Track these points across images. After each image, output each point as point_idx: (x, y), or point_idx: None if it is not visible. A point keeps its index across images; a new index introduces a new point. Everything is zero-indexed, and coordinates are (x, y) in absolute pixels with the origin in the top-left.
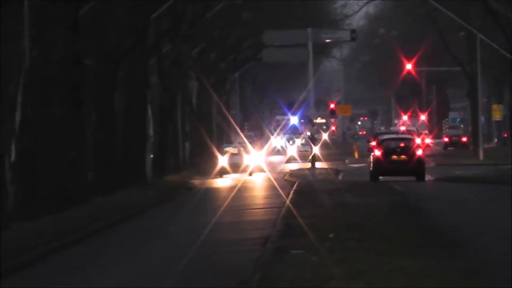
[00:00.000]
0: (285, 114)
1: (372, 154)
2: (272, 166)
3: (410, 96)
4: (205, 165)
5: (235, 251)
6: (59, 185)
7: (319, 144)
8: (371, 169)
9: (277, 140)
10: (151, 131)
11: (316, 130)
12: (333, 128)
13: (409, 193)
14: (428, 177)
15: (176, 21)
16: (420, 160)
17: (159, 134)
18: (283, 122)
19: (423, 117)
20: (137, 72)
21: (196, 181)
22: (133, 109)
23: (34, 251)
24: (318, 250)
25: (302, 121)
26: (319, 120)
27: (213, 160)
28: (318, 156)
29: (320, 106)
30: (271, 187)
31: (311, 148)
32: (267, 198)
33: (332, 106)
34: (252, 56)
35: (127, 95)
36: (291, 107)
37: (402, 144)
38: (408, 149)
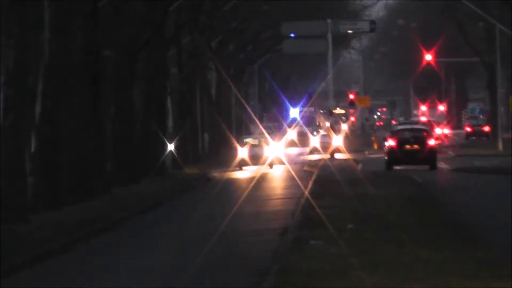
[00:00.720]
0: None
1: (387, 144)
2: (290, 158)
3: (429, 87)
4: (224, 157)
5: (254, 242)
6: (78, 176)
7: (342, 135)
8: (386, 158)
9: (291, 132)
10: (170, 122)
11: (335, 120)
12: (352, 119)
13: (427, 183)
14: (446, 167)
15: (195, 13)
16: (432, 150)
17: (178, 125)
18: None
19: (441, 107)
20: (156, 64)
21: (215, 173)
22: (152, 101)
23: (53, 243)
24: (337, 241)
25: (322, 111)
26: (338, 111)
27: (232, 151)
28: (341, 148)
29: (340, 97)
30: (290, 178)
31: (331, 139)
32: (286, 188)
33: (351, 97)
34: (271, 47)
35: (146, 86)
36: (309, 98)
37: (415, 135)
38: (421, 139)
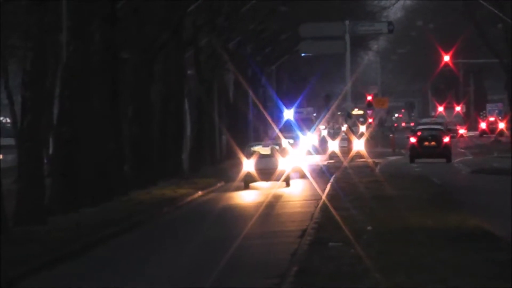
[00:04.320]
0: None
1: (409, 141)
2: (312, 168)
3: (446, 88)
4: (237, 166)
5: (273, 244)
6: (97, 178)
7: (363, 139)
8: (409, 153)
9: (311, 137)
10: (188, 124)
11: (353, 122)
12: (370, 120)
13: (446, 185)
14: (465, 169)
15: (213, 14)
16: (447, 146)
17: (195, 127)
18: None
19: (458, 108)
20: (174, 65)
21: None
22: (170, 102)
23: (72, 244)
24: (356, 243)
25: (340, 113)
26: (356, 112)
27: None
28: (363, 153)
29: (357, 98)
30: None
31: (351, 143)
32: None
33: (369, 98)
34: (289, 49)
35: (164, 88)
36: (328, 100)
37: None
38: (437, 137)
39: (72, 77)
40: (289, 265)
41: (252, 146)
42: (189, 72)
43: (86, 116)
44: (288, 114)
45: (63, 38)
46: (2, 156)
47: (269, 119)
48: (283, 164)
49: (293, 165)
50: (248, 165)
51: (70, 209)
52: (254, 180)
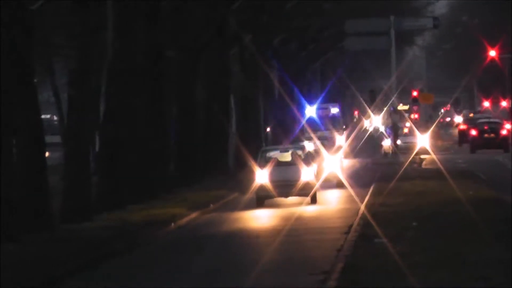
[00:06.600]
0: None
1: (469, 133)
2: (353, 174)
3: (492, 83)
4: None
5: (319, 240)
6: (142, 176)
7: (428, 134)
8: (469, 144)
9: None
10: (233, 122)
11: (399, 117)
12: (415, 116)
13: (491, 181)
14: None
15: (257, 12)
16: (504, 137)
17: (241, 124)
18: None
19: (504, 103)
20: (218, 63)
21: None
22: (215, 100)
23: (118, 242)
24: (402, 239)
25: (391, 109)
26: (401, 107)
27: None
28: (426, 149)
29: (403, 94)
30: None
31: (415, 138)
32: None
33: (414, 94)
34: (333, 45)
35: (209, 86)
36: (373, 96)
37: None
38: (496, 129)
39: (117, 76)
40: None
41: (267, 151)
42: (234, 69)
43: (131, 114)
44: (310, 111)
45: (108, 37)
46: (49, 154)
47: (300, 116)
48: (308, 174)
49: (327, 172)
50: (262, 176)
51: (114, 207)
52: (269, 196)
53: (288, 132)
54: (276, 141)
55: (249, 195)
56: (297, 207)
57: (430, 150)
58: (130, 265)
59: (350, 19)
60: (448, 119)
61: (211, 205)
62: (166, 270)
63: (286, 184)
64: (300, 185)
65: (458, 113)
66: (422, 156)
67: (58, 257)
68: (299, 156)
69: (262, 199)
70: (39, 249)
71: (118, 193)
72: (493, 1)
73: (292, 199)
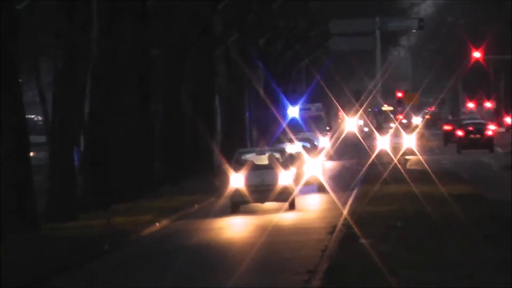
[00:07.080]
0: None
1: (455, 134)
2: (335, 177)
3: (477, 84)
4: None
5: (303, 240)
6: (128, 175)
7: (414, 134)
8: (456, 144)
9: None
10: (218, 121)
11: (383, 117)
12: (400, 117)
13: (476, 182)
14: (496, 164)
15: (243, 11)
16: (490, 138)
17: (226, 123)
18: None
19: (488, 104)
20: (204, 62)
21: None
22: (200, 99)
23: (103, 241)
24: (387, 239)
25: (375, 110)
26: (386, 107)
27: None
28: (412, 150)
29: (387, 95)
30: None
31: (401, 139)
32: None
33: (399, 95)
34: (320, 45)
35: (194, 85)
36: (358, 96)
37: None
38: (481, 130)
39: (102, 75)
40: None
41: (243, 153)
42: (219, 68)
43: (116, 114)
44: (293, 111)
45: (94, 36)
46: (34, 154)
47: (279, 117)
48: (286, 178)
49: (307, 176)
50: (237, 180)
51: (100, 206)
52: (244, 201)
53: (269, 134)
54: (260, 142)
55: (223, 200)
56: (274, 214)
57: (416, 151)
58: (114, 265)
59: (335, 19)
60: (404, 120)
61: (195, 206)
62: (149, 269)
63: (262, 189)
64: (277, 190)
65: (443, 115)
66: (407, 157)
67: (43, 257)
68: (277, 159)
69: (237, 205)
70: (24, 249)
71: (103, 192)
72: (478, 2)
73: (269, 204)
